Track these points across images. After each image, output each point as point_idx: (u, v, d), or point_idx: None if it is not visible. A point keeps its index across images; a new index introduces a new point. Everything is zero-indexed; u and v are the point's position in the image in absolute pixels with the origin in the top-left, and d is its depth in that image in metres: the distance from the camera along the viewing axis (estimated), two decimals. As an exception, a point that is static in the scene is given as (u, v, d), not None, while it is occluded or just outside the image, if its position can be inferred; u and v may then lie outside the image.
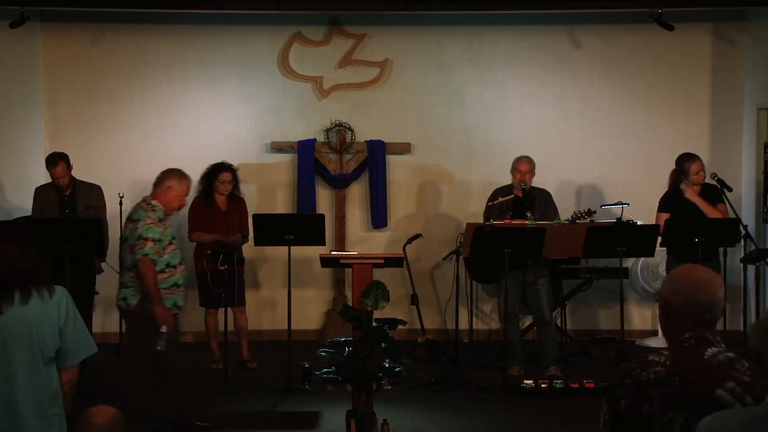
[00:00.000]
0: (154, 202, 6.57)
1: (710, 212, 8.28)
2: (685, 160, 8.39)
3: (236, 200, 8.85)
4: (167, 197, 6.58)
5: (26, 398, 3.90)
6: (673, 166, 8.58)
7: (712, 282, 3.01)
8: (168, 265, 6.50)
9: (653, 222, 8.44)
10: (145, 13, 9.93)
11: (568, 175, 10.15)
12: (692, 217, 8.25)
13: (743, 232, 8.32)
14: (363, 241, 10.12)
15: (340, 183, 10.12)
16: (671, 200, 8.40)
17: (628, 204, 8.92)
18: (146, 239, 6.42)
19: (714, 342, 2.97)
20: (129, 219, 6.64)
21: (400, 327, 6.47)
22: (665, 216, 8.34)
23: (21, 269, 3.92)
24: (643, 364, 2.95)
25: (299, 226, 8.19)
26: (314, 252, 8.53)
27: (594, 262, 9.46)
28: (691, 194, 8.33)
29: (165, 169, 6.80)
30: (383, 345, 6.32)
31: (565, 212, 8.81)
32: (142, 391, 6.37)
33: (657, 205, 8.54)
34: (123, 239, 6.71)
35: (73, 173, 8.64)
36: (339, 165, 10.12)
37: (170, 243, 6.54)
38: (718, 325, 3.10)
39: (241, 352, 8.80)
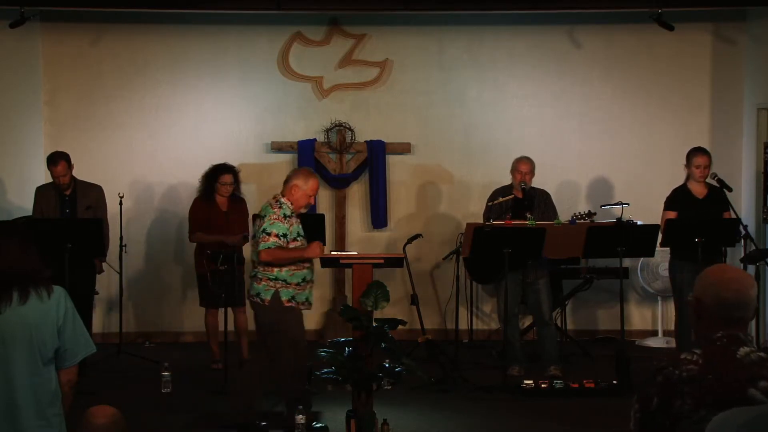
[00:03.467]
0: (282, 200, 6.72)
1: None
2: (691, 152, 8.38)
3: (237, 200, 8.85)
4: (294, 195, 6.72)
5: (25, 398, 3.90)
6: (672, 166, 8.58)
7: (742, 280, 3.00)
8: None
9: (657, 221, 8.43)
10: (145, 13, 9.93)
11: (568, 175, 10.15)
12: (698, 215, 8.23)
13: (743, 232, 8.32)
14: (363, 241, 10.12)
15: (340, 183, 10.12)
16: (678, 198, 8.37)
17: (628, 204, 8.91)
18: (269, 234, 6.61)
19: (746, 341, 2.97)
20: (257, 215, 6.89)
21: (400, 327, 6.47)
22: (670, 214, 8.32)
23: (20, 269, 3.92)
24: (676, 362, 2.94)
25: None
26: (314, 252, 8.52)
27: (594, 262, 9.46)
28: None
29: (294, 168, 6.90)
30: (383, 345, 6.32)
31: (565, 212, 8.81)
32: (295, 380, 6.71)
33: (656, 205, 8.53)
34: (253, 236, 6.97)
35: (74, 173, 8.64)
36: (339, 165, 10.13)
37: (295, 239, 6.68)
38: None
39: (241, 352, 8.80)
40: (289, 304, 6.71)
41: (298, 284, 6.72)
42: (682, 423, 2.88)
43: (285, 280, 6.69)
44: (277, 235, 6.61)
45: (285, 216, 6.66)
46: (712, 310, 2.99)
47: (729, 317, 2.98)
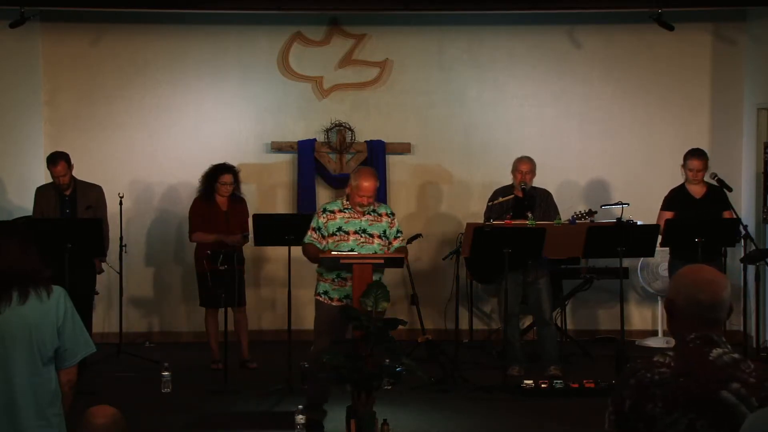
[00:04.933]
0: (344, 197, 6.99)
1: None
2: (687, 154, 8.40)
3: (237, 200, 8.85)
4: (350, 193, 6.89)
5: (25, 398, 3.90)
6: (672, 166, 8.59)
7: (716, 282, 2.99)
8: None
9: (655, 220, 8.44)
10: (145, 13, 9.93)
11: (568, 175, 10.15)
12: (697, 215, 8.23)
13: (743, 232, 8.32)
14: (363, 241, 10.11)
15: (340, 183, 10.11)
16: (675, 198, 8.38)
17: (628, 204, 8.92)
18: (308, 228, 6.92)
19: (719, 343, 2.96)
20: None
21: (400, 327, 6.47)
22: (667, 214, 8.32)
23: (19, 269, 3.92)
24: (648, 364, 2.94)
25: (299, 226, 8.15)
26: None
27: (594, 262, 9.46)
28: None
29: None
30: (383, 345, 6.32)
31: (565, 212, 8.81)
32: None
33: (657, 205, 8.54)
34: None
35: (74, 173, 8.64)
36: (339, 165, 10.13)
37: (333, 234, 6.81)
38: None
39: (241, 352, 8.80)
40: (319, 298, 6.87)
41: (333, 280, 6.83)
42: (657, 425, 2.88)
43: (321, 274, 6.91)
44: (312, 228, 6.86)
45: (325, 210, 6.89)
46: (686, 311, 2.98)
47: (703, 318, 2.97)
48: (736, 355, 2.95)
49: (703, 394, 2.86)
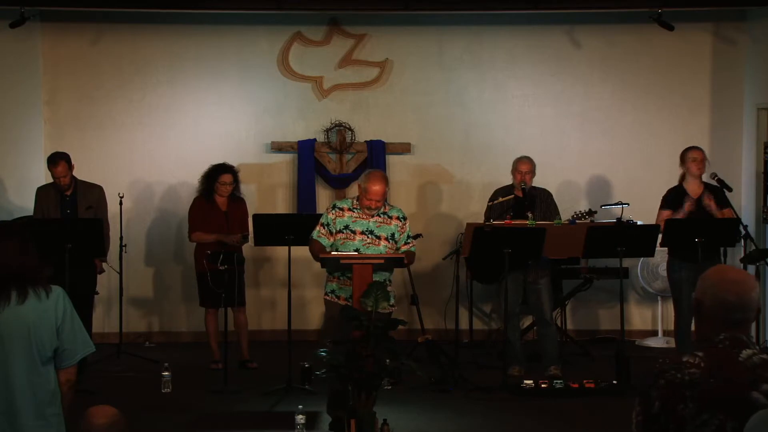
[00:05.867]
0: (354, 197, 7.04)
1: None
2: (684, 150, 8.41)
3: (236, 200, 8.85)
4: (359, 195, 6.90)
5: (24, 398, 3.90)
6: (672, 166, 8.58)
7: (743, 282, 2.97)
8: (336, 250, 6.80)
9: (653, 220, 8.44)
10: (145, 13, 9.93)
11: (568, 175, 10.15)
12: (695, 215, 8.23)
13: (743, 232, 8.32)
14: (363, 241, 10.11)
15: (340, 183, 10.12)
16: (674, 197, 8.37)
17: (628, 204, 8.92)
18: (317, 223, 6.95)
19: (749, 344, 2.94)
20: None
21: (400, 327, 6.47)
22: (665, 213, 8.32)
23: (18, 269, 3.92)
24: (678, 365, 2.91)
25: (299, 226, 8.17)
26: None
27: (594, 262, 9.46)
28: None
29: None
30: (383, 345, 6.32)
31: (565, 212, 8.81)
32: None
33: (656, 205, 8.53)
34: None
35: (74, 173, 8.63)
36: (339, 165, 10.13)
37: (340, 231, 6.81)
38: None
39: (241, 352, 8.80)
40: (327, 297, 6.91)
41: (339, 278, 6.84)
42: (687, 426, 2.86)
43: (329, 273, 6.91)
44: (321, 224, 6.90)
45: (335, 207, 6.92)
46: (713, 312, 2.97)
47: (730, 319, 2.95)
48: (765, 356, 2.93)
49: (733, 395, 2.85)
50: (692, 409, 2.86)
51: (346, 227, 6.83)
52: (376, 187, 6.78)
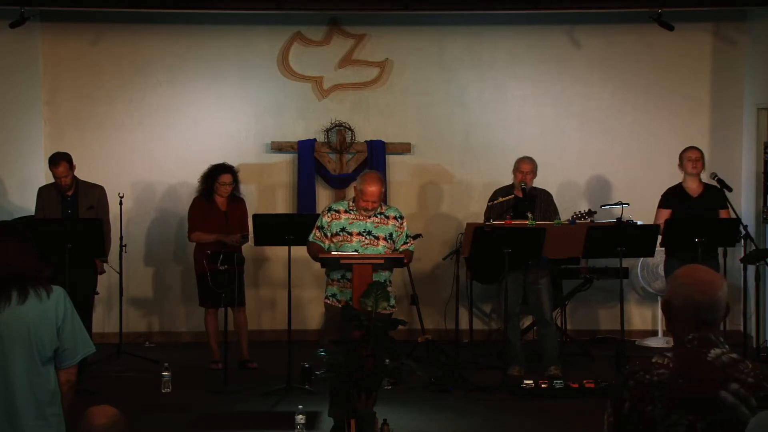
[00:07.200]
0: (350, 199, 7.04)
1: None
2: (682, 151, 8.44)
3: (236, 200, 8.85)
4: (356, 196, 6.91)
5: (24, 398, 3.90)
6: (672, 166, 8.59)
7: (712, 282, 2.97)
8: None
9: (653, 219, 8.44)
10: (145, 13, 9.94)
11: (568, 175, 10.15)
12: (694, 214, 8.24)
13: (743, 232, 8.32)
14: (363, 241, 10.11)
15: (340, 183, 10.12)
16: (672, 196, 8.38)
17: (628, 204, 8.92)
18: (314, 226, 6.95)
19: (717, 343, 2.94)
20: None
21: (400, 327, 6.47)
22: (665, 213, 8.33)
23: (19, 269, 3.92)
24: (647, 366, 2.93)
25: (299, 226, 8.16)
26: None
27: (594, 262, 9.46)
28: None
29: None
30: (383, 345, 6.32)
31: (565, 212, 8.81)
32: None
33: (656, 204, 8.54)
34: None
35: (74, 173, 8.63)
36: (339, 165, 10.13)
37: (336, 234, 6.81)
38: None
39: (241, 352, 8.80)
40: (327, 301, 6.91)
41: (338, 280, 6.83)
42: (657, 427, 2.87)
43: (329, 277, 6.90)
44: (317, 227, 6.92)
45: (331, 209, 6.92)
46: (683, 312, 2.97)
47: (700, 319, 2.95)
48: (734, 356, 2.94)
49: (702, 394, 2.85)
50: (661, 409, 2.87)
51: (343, 230, 6.83)
52: (372, 188, 6.79)
